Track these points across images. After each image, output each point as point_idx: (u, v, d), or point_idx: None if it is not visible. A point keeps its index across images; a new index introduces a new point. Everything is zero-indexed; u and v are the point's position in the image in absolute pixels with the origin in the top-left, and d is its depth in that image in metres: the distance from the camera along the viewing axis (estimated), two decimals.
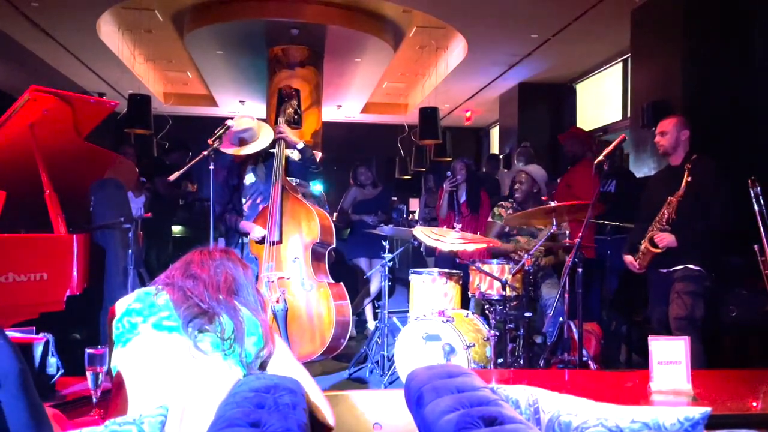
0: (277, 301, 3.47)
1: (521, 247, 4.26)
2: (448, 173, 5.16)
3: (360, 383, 4.10)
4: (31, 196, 2.95)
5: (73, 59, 8.37)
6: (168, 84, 10.75)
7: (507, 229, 4.39)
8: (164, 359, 1.48)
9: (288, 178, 3.83)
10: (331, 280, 3.67)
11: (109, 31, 7.61)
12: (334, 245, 3.82)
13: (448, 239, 3.76)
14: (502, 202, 4.55)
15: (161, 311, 1.56)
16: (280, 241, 3.61)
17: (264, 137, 3.77)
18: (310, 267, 3.58)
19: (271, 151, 3.85)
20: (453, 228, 3.90)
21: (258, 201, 3.85)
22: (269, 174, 3.77)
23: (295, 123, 3.95)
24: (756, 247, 3.15)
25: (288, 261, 3.59)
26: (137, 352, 1.51)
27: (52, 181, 2.99)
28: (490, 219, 4.51)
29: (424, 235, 3.86)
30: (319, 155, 7.91)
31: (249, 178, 3.88)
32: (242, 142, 3.71)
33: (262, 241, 3.64)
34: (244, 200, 3.86)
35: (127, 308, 1.59)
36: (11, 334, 2.15)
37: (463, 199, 5.18)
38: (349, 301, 3.68)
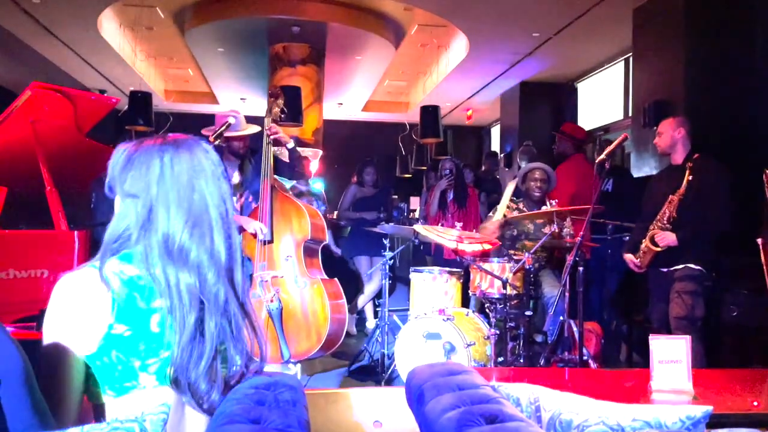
0: (272, 300, 3.48)
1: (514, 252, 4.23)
2: (446, 171, 5.20)
3: (360, 381, 4.10)
4: (33, 193, 2.96)
5: (75, 56, 8.36)
6: (169, 81, 10.75)
7: (515, 233, 4.34)
8: (172, 416, 1.18)
9: (276, 177, 3.83)
10: (325, 276, 3.68)
11: (110, 27, 7.60)
12: (327, 241, 3.82)
13: (450, 237, 3.76)
14: (510, 202, 4.43)
15: (162, 349, 1.23)
16: (271, 241, 3.62)
17: (249, 129, 3.80)
18: (303, 264, 3.59)
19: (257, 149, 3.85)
20: (440, 224, 3.90)
21: (250, 199, 3.86)
22: (256, 173, 3.77)
23: (283, 121, 3.95)
24: (759, 240, 3.14)
25: (281, 259, 3.60)
26: (140, 408, 1.16)
27: (54, 177, 2.99)
28: (491, 213, 4.45)
29: (427, 231, 3.86)
30: (319, 153, 7.96)
31: (236, 178, 3.89)
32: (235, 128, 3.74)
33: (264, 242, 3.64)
34: (234, 199, 3.86)
35: (108, 332, 1.20)
36: (12, 330, 2.15)
37: (450, 197, 5.23)
38: (344, 297, 3.69)
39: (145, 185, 1.27)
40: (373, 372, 4.15)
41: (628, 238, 4.02)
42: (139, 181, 1.27)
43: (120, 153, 1.31)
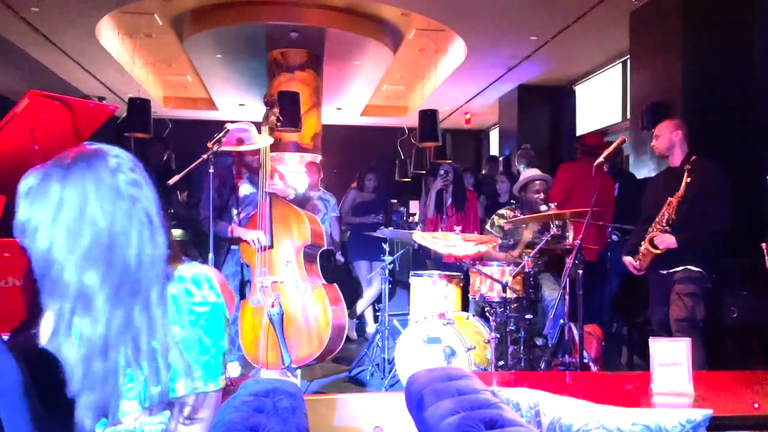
0: (272, 306, 3.48)
1: (513, 259, 4.21)
2: (442, 171, 5.19)
3: (360, 386, 4.10)
4: None
5: (73, 63, 8.37)
6: (168, 87, 10.76)
7: (512, 242, 4.32)
8: None
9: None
10: (324, 281, 3.68)
11: (108, 35, 7.61)
12: (326, 247, 3.83)
13: (448, 242, 3.75)
14: (503, 211, 4.39)
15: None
16: (271, 246, 3.62)
17: (261, 141, 3.79)
18: (303, 269, 3.59)
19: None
20: (438, 228, 3.89)
21: (251, 213, 3.86)
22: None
23: (281, 127, 3.96)
24: (764, 245, 3.14)
25: (281, 265, 3.61)
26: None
27: None
28: (488, 228, 4.40)
29: (423, 238, 3.86)
30: (318, 158, 7.96)
31: (245, 189, 3.88)
32: (240, 141, 3.71)
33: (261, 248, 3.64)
34: (235, 211, 3.86)
35: None
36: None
37: (449, 201, 5.22)
38: (343, 302, 3.69)
39: (38, 221, 1.14)
40: (374, 377, 4.14)
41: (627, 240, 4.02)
42: (36, 214, 1.14)
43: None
